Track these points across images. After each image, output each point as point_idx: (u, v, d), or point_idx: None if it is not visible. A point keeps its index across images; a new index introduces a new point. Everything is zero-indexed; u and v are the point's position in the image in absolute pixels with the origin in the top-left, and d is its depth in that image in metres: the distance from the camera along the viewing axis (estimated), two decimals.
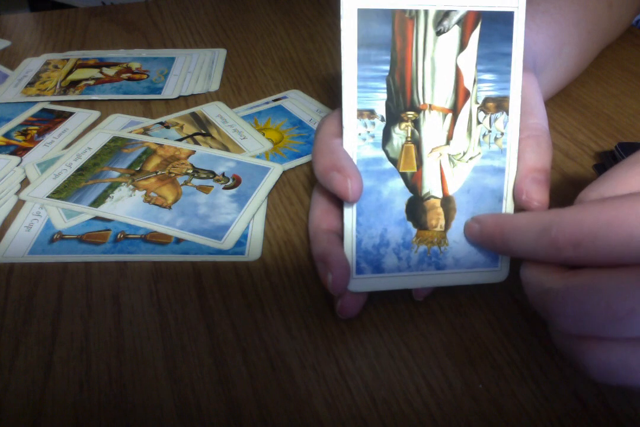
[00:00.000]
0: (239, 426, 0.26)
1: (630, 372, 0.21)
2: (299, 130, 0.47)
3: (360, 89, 0.28)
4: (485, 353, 0.29)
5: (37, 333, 0.31)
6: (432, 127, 0.29)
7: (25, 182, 0.42)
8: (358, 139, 0.28)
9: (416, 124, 0.28)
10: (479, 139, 0.29)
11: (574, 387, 0.27)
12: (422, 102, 0.28)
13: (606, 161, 0.41)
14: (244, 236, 0.37)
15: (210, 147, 0.45)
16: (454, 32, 0.28)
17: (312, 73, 0.56)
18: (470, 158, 0.29)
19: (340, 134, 0.29)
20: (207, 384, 0.28)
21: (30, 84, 0.55)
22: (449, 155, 0.29)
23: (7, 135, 0.48)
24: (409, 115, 0.28)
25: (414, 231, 0.29)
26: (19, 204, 0.40)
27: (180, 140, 0.46)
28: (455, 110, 0.29)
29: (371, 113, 0.28)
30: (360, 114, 0.28)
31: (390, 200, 0.29)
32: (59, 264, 0.35)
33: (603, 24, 0.47)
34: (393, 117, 0.28)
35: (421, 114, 0.28)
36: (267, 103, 0.51)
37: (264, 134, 0.47)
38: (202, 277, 0.34)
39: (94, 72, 0.56)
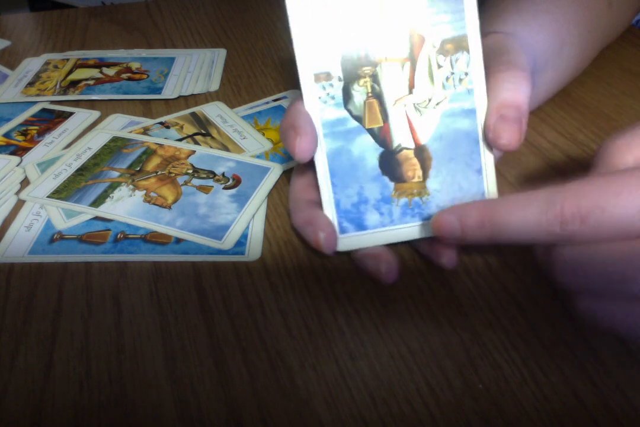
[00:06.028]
0: (239, 426, 0.26)
1: (608, 320, 0.23)
2: None
3: (312, 53, 0.28)
4: (485, 353, 0.29)
5: (37, 333, 0.31)
6: (392, 78, 0.28)
7: (25, 182, 0.42)
8: (319, 102, 0.28)
9: (375, 78, 0.28)
10: (443, 83, 0.28)
11: (574, 387, 0.27)
12: (377, 56, 0.28)
13: None
14: (244, 236, 0.37)
15: (210, 147, 0.45)
16: None
17: None
18: (437, 104, 0.29)
19: None
20: (207, 384, 0.28)
21: (30, 84, 0.55)
22: (414, 104, 0.28)
23: (7, 135, 0.48)
24: (366, 71, 0.28)
25: (392, 184, 0.29)
26: (19, 204, 0.40)
27: (180, 140, 0.46)
28: (412, 58, 0.28)
29: (328, 75, 0.28)
30: (317, 77, 0.28)
31: (361, 157, 0.29)
32: (59, 264, 0.35)
33: (603, 24, 0.47)
34: (350, 75, 0.28)
35: (378, 68, 0.28)
36: (267, 103, 0.51)
37: (263, 134, 0.47)
38: (202, 277, 0.34)
39: (94, 72, 0.56)
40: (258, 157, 0.44)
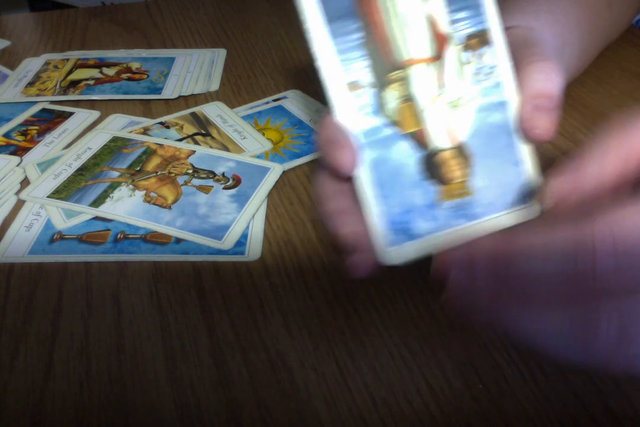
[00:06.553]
0: (239, 426, 0.26)
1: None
2: (299, 130, 0.47)
3: (341, 63, 0.28)
4: (485, 353, 0.29)
5: (37, 333, 0.31)
6: (422, 80, 0.28)
7: (25, 182, 0.42)
8: (352, 113, 0.28)
9: (405, 81, 0.28)
10: (472, 79, 0.28)
11: (574, 387, 0.27)
12: (404, 59, 0.28)
13: None
14: (244, 236, 0.37)
15: (210, 147, 0.45)
16: None
17: (312, 73, 0.56)
18: (469, 100, 0.28)
19: None
20: (207, 384, 0.28)
21: (30, 84, 0.55)
22: (447, 103, 0.28)
23: (7, 135, 0.48)
24: (396, 75, 0.28)
25: (435, 188, 0.29)
26: (19, 204, 0.40)
27: (180, 140, 0.46)
28: (439, 57, 0.28)
29: (358, 84, 0.28)
30: (347, 88, 0.28)
31: (401, 165, 0.28)
32: (59, 264, 0.35)
33: (603, 24, 0.47)
34: (381, 82, 0.28)
35: (407, 71, 0.28)
36: (267, 103, 0.51)
37: (264, 134, 0.47)
38: (202, 277, 0.34)
39: (94, 72, 0.56)
40: (258, 157, 0.44)
